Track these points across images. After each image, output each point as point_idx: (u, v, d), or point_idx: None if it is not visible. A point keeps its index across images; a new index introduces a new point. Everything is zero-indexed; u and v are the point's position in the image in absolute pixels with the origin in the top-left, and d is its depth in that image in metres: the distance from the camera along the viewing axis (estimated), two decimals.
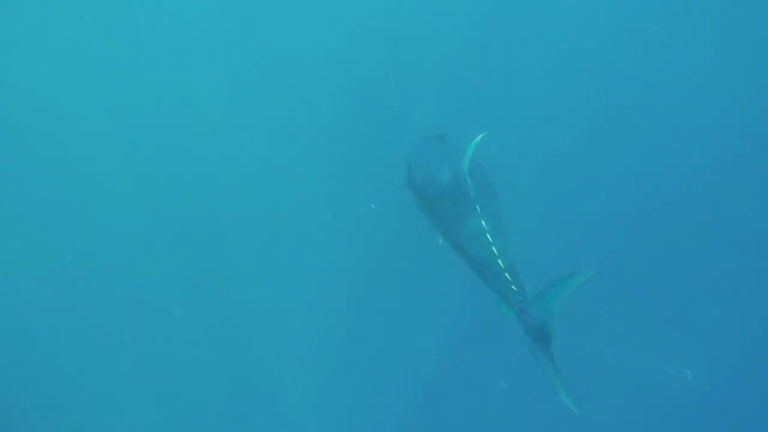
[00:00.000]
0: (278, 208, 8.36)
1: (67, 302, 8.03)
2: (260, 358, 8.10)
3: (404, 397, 7.90)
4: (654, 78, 8.30)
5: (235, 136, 8.61)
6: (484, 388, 7.73)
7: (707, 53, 8.29)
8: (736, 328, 7.62)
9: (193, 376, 8.02)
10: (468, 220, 4.71)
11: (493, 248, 4.56)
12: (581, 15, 8.66)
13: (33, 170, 8.47)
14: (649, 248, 7.81)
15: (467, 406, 7.92)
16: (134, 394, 7.88)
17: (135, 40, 8.99)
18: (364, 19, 8.90)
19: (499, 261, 4.49)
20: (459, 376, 7.87)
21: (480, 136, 4.91)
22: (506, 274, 4.44)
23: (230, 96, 8.71)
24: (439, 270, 6.90)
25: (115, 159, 8.51)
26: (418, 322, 7.85)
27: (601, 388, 7.27)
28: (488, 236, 4.60)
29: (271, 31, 9.07)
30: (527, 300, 4.33)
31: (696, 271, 7.74)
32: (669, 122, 8.27)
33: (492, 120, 7.38)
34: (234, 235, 8.30)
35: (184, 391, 7.97)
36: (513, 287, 4.39)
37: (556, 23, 8.63)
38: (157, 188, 8.46)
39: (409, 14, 8.92)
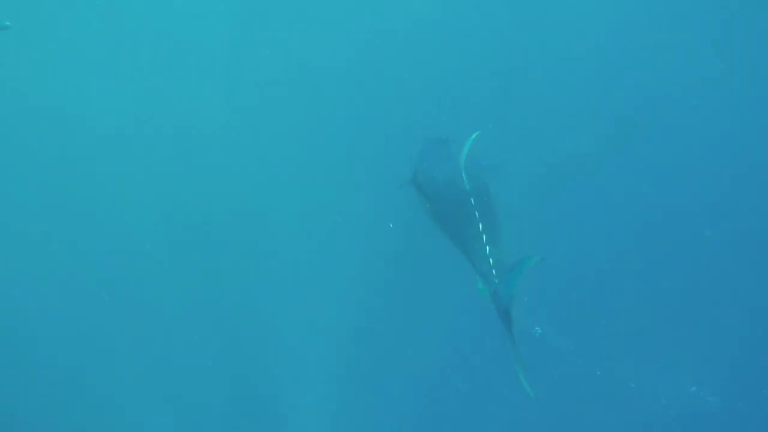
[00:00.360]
0: (282, 210, 8.37)
1: (69, 303, 8.05)
2: (262, 360, 8.09)
3: (408, 400, 7.89)
4: (658, 79, 8.29)
5: (237, 137, 8.63)
6: (489, 392, 7.71)
7: (708, 55, 8.28)
8: (744, 342, 7.47)
9: (196, 377, 8.02)
10: (463, 212, 5.24)
11: (483, 236, 5.09)
12: (586, 16, 8.67)
13: (33, 171, 8.50)
14: (654, 257, 7.78)
15: (469, 410, 7.89)
16: (135, 396, 7.87)
17: (138, 41, 9.02)
18: (370, 23, 8.95)
19: (487, 248, 5.03)
20: (463, 380, 7.85)
21: (475, 135, 5.41)
22: (490, 260, 4.97)
23: (233, 98, 8.74)
24: (443, 272, 6.97)
25: (117, 161, 8.53)
26: (424, 325, 7.84)
27: (610, 404, 7.28)
28: (480, 226, 5.13)
29: (277, 34, 9.11)
30: (500, 284, 4.88)
31: (703, 281, 7.64)
32: (676, 124, 8.23)
33: (495, 122, 7.53)
34: (240, 238, 8.33)
35: (188, 392, 7.97)
36: (493, 272, 4.93)
37: (561, 25, 8.65)
38: (160, 190, 8.48)
39: (416, 15, 8.93)
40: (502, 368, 7.35)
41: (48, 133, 8.62)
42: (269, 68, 8.94)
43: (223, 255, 8.29)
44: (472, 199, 5.24)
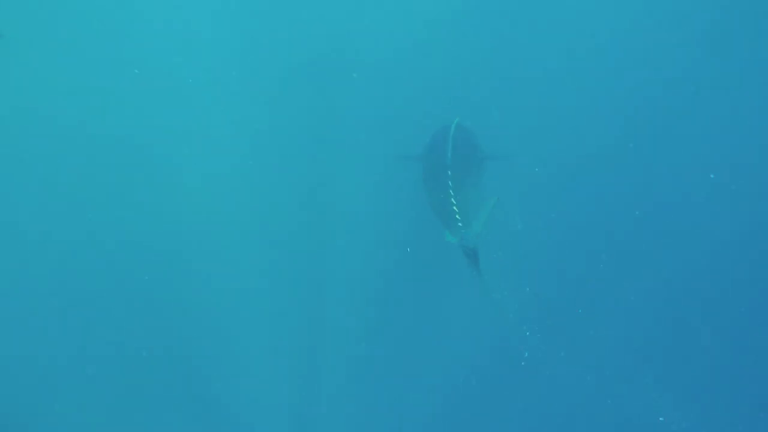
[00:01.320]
0: (283, 209, 8.38)
1: (67, 303, 8.04)
2: (263, 361, 8.06)
3: (409, 402, 7.87)
4: (660, 78, 8.28)
5: (236, 137, 8.61)
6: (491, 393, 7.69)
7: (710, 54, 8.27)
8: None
9: (196, 377, 8.02)
10: (440, 176, 6.47)
11: (451, 191, 6.34)
12: (591, 15, 8.68)
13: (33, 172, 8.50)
14: (658, 258, 7.72)
15: (471, 411, 7.88)
16: (134, 397, 7.86)
17: (137, 42, 9.01)
18: (374, 20, 8.94)
19: (455, 207, 6.30)
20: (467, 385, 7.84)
21: (456, 120, 6.65)
22: (457, 215, 6.26)
23: (234, 98, 8.73)
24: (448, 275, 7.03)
25: (116, 161, 8.52)
26: (425, 326, 7.84)
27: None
28: (450, 182, 6.38)
29: (278, 31, 9.10)
30: (466, 231, 6.17)
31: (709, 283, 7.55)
32: (679, 123, 8.19)
33: (502, 117, 7.80)
34: (242, 238, 8.32)
35: (188, 392, 7.96)
36: (459, 224, 6.23)
37: (567, 24, 8.65)
38: (161, 191, 8.46)
39: (423, 14, 8.93)
40: (502, 369, 7.48)
41: (48, 134, 8.61)
42: (269, 68, 8.92)
43: (224, 255, 8.26)
44: (449, 171, 6.39)
